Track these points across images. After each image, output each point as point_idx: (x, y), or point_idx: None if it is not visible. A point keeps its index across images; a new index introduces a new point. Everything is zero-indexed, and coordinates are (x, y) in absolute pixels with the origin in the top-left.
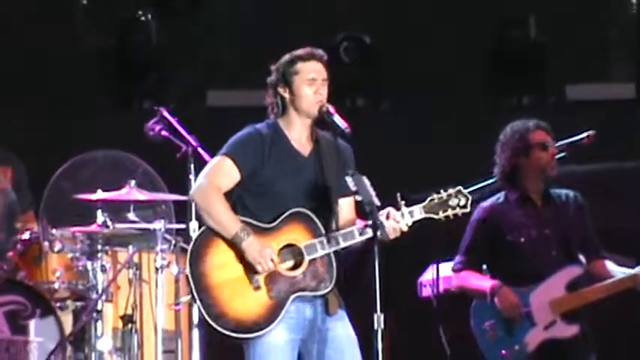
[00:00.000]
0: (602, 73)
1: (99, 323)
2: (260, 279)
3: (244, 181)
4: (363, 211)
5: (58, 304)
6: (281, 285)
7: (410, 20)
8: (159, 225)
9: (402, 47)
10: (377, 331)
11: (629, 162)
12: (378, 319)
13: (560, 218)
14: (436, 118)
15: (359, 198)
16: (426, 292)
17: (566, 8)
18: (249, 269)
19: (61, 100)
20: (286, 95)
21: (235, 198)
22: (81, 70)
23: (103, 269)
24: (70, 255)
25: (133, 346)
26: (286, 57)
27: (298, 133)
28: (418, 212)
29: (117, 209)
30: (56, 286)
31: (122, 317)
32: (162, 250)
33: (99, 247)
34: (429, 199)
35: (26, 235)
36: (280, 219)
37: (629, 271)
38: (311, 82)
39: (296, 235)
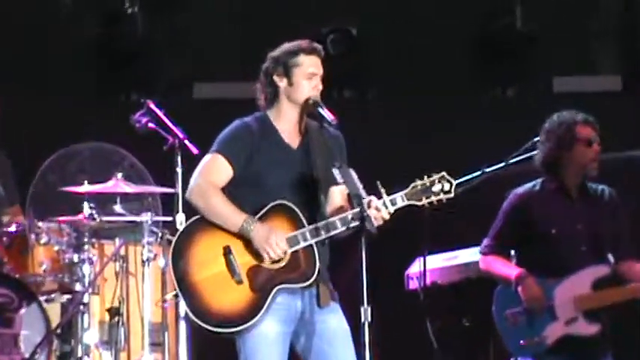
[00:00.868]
0: (589, 65)
1: (85, 316)
2: (242, 273)
3: (236, 175)
4: (351, 203)
5: (45, 297)
6: (263, 278)
7: (396, 11)
8: (146, 217)
9: (388, 38)
10: (364, 323)
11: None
12: (365, 312)
13: (593, 214)
14: (422, 109)
15: (346, 190)
16: (413, 284)
17: None
18: (231, 264)
19: (48, 93)
20: (281, 85)
21: (227, 192)
22: (67, 62)
23: (90, 262)
24: (56, 247)
25: (120, 339)
26: (288, 46)
27: (288, 125)
28: (400, 200)
29: (103, 201)
30: (42, 278)
31: (109, 310)
32: (148, 243)
33: (85, 239)
34: (411, 185)
35: (12, 228)
36: (262, 212)
37: None
38: (310, 76)
39: (278, 227)
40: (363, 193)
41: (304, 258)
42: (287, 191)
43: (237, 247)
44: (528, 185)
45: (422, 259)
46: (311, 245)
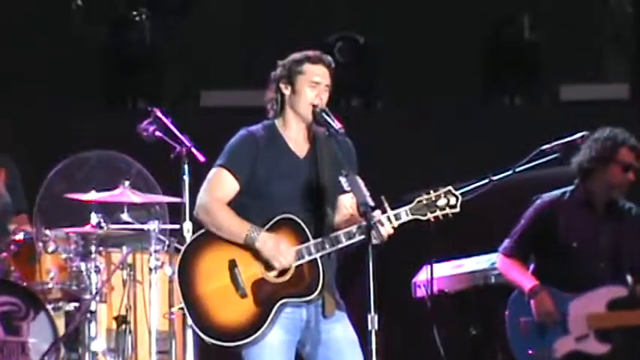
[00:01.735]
0: (596, 73)
1: (93, 324)
2: (246, 287)
3: (242, 187)
4: (358, 211)
5: (52, 305)
6: (267, 292)
7: (404, 20)
8: (153, 226)
9: (396, 47)
10: (370, 331)
11: None
12: (372, 320)
13: (617, 231)
14: (430, 118)
15: (353, 199)
16: (420, 292)
17: (560, 8)
18: (235, 278)
19: (55, 100)
20: (286, 92)
21: (233, 202)
22: (75, 69)
23: (97, 270)
24: (63, 256)
25: (127, 347)
26: (295, 55)
27: (295, 133)
28: (404, 214)
29: (111, 210)
30: (50, 286)
31: (116, 318)
32: (156, 251)
33: (93, 247)
34: (416, 200)
35: (20, 236)
36: (268, 225)
37: None
38: (314, 85)
39: (284, 240)
40: (370, 201)
41: (309, 272)
42: (293, 201)
43: (242, 260)
44: (557, 192)
45: (429, 267)
46: (316, 259)
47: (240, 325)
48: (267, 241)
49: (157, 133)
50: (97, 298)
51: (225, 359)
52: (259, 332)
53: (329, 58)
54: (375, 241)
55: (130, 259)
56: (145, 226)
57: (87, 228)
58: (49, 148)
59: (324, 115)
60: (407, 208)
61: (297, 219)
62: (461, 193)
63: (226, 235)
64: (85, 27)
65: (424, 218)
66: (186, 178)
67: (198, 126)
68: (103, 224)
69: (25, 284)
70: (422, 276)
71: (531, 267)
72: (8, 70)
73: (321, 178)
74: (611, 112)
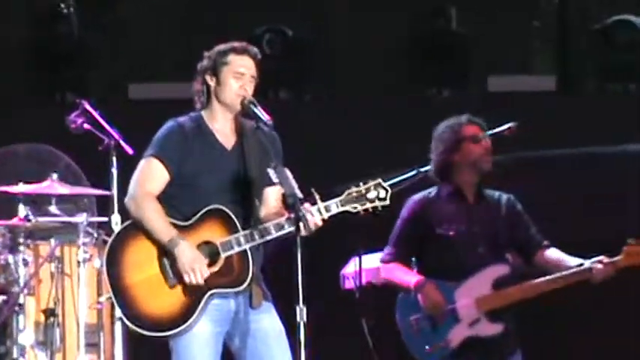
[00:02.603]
0: (524, 64)
1: (21, 317)
2: (175, 277)
3: (173, 177)
4: (286, 203)
5: None
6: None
7: (332, 11)
8: (81, 218)
9: (324, 39)
10: (299, 323)
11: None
12: (300, 312)
13: (490, 217)
14: (358, 110)
15: (281, 190)
16: (349, 284)
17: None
18: (165, 268)
19: None
20: (212, 84)
21: (162, 193)
22: (1, 62)
23: (25, 263)
24: None
25: (56, 340)
26: (221, 46)
27: (222, 125)
28: (335, 206)
29: (39, 202)
30: None
31: (44, 311)
32: (84, 244)
33: (21, 240)
34: (346, 192)
35: None
36: (197, 216)
37: (574, 264)
38: (239, 75)
39: (212, 232)
40: (298, 193)
41: (238, 262)
42: (221, 193)
43: None
44: (424, 192)
45: (357, 258)
46: (245, 250)
47: (169, 315)
48: (186, 252)
49: (86, 126)
50: (25, 290)
51: (154, 351)
52: (188, 322)
53: (255, 49)
54: (303, 233)
55: (58, 252)
56: (73, 219)
57: (15, 221)
58: None
59: (252, 106)
60: (337, 200)
61: (226, 210)
62: (390, 185)
63: (150, 232)
64: (13, 19)
65: (354, 211)
66: (114, 170)
67: (126, 119)
68: (30, 217)
69: None
70: (350, 268)
71: (414, 270)
72: None
73: (248, 170)
74: (538, 104)
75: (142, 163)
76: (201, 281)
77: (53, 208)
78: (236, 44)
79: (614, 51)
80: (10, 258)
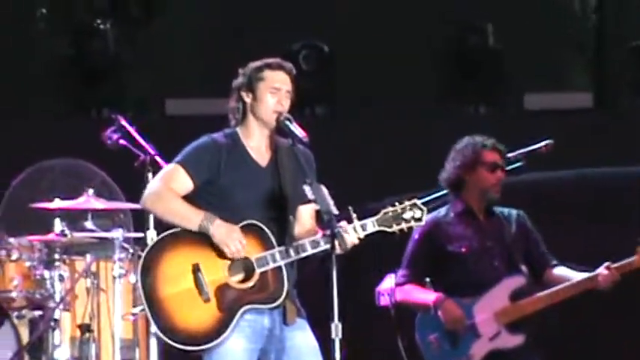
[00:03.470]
0: (560, 82)
1: (56, 332)
2: (210, 291)
3: (198, 191)
4: (321, 220)
5: (16, 313)
6: (231, 297)
7: (368, 28)
8: (117, 234)
9: (360, 55)
10: (334, 340)
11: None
12: (336, 328)
13: (502, 232)
14: (394, 127)
15: (317, 207)
16: (384, 300)
17: (524, 16)
18: (199, 282)
19: (19, 109)
20: (248, 100)
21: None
22: (39, 78)
23: (61, 278)
24: (27, 264)
25: (91, 356)
26: (256, 63)
27: (257, 142)
28: (371, 225)
29: (75, 218)
30: (14, 295)
31: (80, 326)
32: (119, 259)
33: (56, 255)
34: (382, 212)
35: None
36: None
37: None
38: (274, 90)
39: (248, 247)
40: (334, 210)
41: (273, 279)
42: (254, 210)
43: (206, 265)
44: (434, 212)
45: (393, 275)
46: (280, 266)
47: (203, 329)
48: (221, 228)
49: (121, 141)
50: (61, 306)
51: None
52: (221, 337)
53: (289, 64)
54: (338, 251)
55: (93, 267)
56: (108, 234)
57: (51, 236)
58: (13, 157)
59: (287, 122)
60: (374, 219)
61: (262, 226)
62: (424, 203)
63: (178, 220)
64: (49, 35)
65: (390, 230)
66: None
67: (162, 134)
68: (66, 232)
69: None
70: (386, 284)
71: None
72: None
73: (282, 188)
74: (574, 121)
75: (167, 167)
76: (242, 251)
77: (89, 224)
78: (270, 60)
79: None
80: (46, 273)
